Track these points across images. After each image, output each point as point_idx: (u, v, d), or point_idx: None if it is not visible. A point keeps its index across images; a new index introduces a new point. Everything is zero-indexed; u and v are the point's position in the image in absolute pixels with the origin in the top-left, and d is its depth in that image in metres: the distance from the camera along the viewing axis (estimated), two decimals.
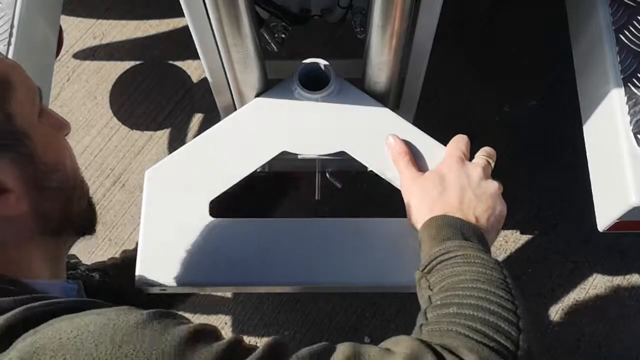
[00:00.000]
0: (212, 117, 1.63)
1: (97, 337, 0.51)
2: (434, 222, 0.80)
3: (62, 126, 0.73)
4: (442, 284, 0.70)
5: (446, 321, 0.63)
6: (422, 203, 0.84)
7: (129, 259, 0.93)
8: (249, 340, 1.45)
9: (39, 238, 0.67)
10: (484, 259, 0.71)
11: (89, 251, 1.52)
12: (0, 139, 0.61)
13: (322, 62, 1.03)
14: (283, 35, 1.10)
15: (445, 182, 0.85)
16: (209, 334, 0.55)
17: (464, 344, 0.59)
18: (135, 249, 0.90)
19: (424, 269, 0.75)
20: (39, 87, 0.69)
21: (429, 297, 0.69)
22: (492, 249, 1.52)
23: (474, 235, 0.78)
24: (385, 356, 0.57)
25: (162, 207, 0.93)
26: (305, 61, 1.03)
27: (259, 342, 1.45)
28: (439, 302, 0.67)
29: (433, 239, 0.78)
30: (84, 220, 0.75)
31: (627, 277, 1.51)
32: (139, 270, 0.89)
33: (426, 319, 0.66)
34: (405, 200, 0.89)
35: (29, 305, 0.54)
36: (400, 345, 0.59)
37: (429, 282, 0.72)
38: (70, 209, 0.72)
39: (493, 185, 0.84)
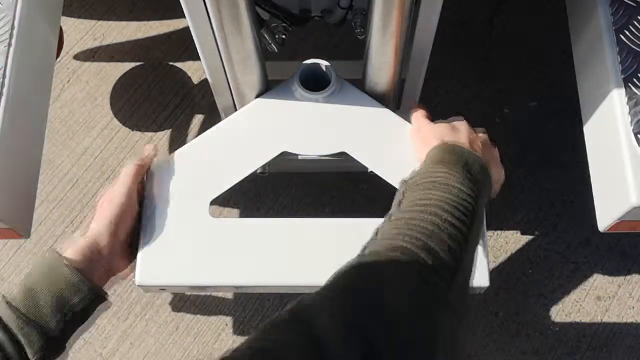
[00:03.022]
0: (212, 118, 1.63)
1: None
2: (441, 147, 0.82)
3: None
4: (410, 200, 0.72)
5: (393, 235, 0.65)
6: (431, 136, 0.88)
7: None
8: None
9: None
10: (463, 192, 0.72)
11: None
12: None
13: (323, 63, 1.03)
14: (283, 36, 1.10)
15: (455, 129, 0.89)
16: None
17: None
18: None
19: (410, 179, 0.77)
20: (39, 87, 0.70)
21: (390, 213, 0.71)
22: (492, 249, 1.52)
23: (477, 164, 0.79)
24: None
25: (163, 206, 0.93)
26: (305, 62, 1.03)
27: None
28: (393, 217, 0.69)
29: (434, 160, 0.80)
30: None
31: (628, 277, 1.51)
32: (139, 270, 0.89)
33: (376, 232, 0.68)
34: (414, 138, 0.94)
35: None
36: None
37: (405, 194, 0.73)
38: None
39: (496, 150, 0.91)
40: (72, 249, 0.82)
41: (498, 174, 0.89)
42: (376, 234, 0.68)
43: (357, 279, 0.59)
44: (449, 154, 0.80)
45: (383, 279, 0.59)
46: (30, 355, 0.73)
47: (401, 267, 0.61)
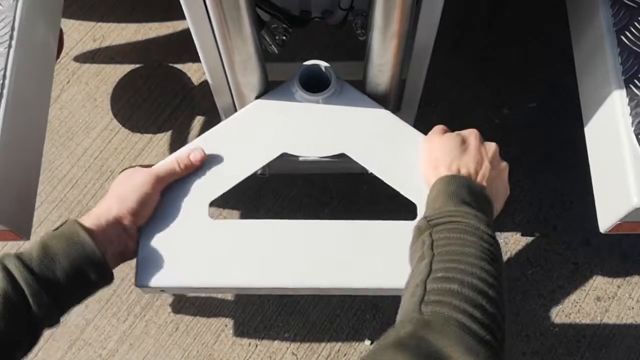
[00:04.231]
0: (212, 119, 1.63)
1: None
2: (453, 180, 0.83)
3: None
4: (445, 248, 0.72)
5: (448, 303, 0.64)
6: (440, 156, 0.88)
7: None
8: (248, 342, 1.45)
9: None
10: (492, 238, 0.74)
11: None
12: None
13: (323, 64, 1.03)
14: (284, 37, 1.10)
15: (465, 144, 0.88)
16: None
17: (461, 342, 0.60)
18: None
19: (432, 220, 0.77)
20: (39, 88, 0.71)
21: (430, 262, 0.70)
22: None
23: (488, 205, 0.82)
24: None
25: (162, 208, 0.92)
26: (305, 63, 1.03)
27: (259, 345, 1.45)
28: (440, 275, 0.68)
29: (450, 195, 0.80)
30: None
31: (628, 278, 1.51)
32: (139, 272, 0.89)
33: (425, 289, 0.67)
34: (424, 150, 0.94)
35: None
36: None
37: (433, 238, 0.74)
38: None
39: (505, 164, 0.90)
40: (94, 225, 0.82)
41: (505, 189, 0.90)
42: (424, 289, 0.68)
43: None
44: (463, 191, 0.81)
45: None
46: (38, 319, 0.74)
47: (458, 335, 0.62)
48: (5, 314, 0.71)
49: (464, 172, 0.85)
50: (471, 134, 0.90)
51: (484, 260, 0.70)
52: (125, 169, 0.92)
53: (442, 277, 0.68)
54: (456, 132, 0.92)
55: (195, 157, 0.95)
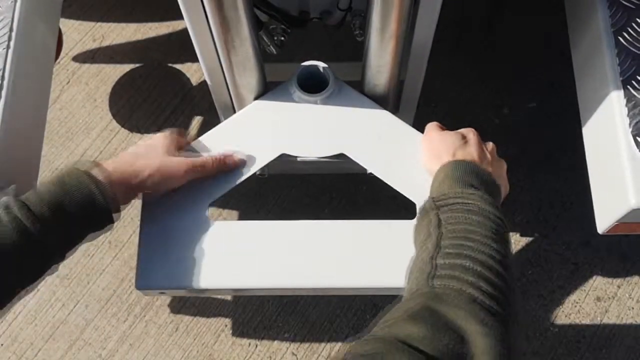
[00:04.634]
0: (211, 119, 1.62)
1: None
2: (459, 165, 0.83)
3: None
4: (453, 227, 0.72)
5: (458, 277, 0.65)
6: (443, 148, 0.89)
7: None
8: (248, 342, 1.45)
9: None
10: (500, 219, 0.74)
11: (89, 254, 1.52)
12: None
13: (321, 65, 1.03)
14: (282, 38, 1.10)
15: (465, 139, 0.89)
16: None
17: (472, 314, 0.61)
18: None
19: (439, 201, 0.77)
20: (38, 89, 0.72)
21: (438, 239, 0.71)
22: None
23: (495, 188, 0.82)
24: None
25: (162, 210, 0.93)
26: (304, 64, 1.03)
27: (259, 345, 1.45)
28: (450, 251, 0.69)
29: (457, 180, 0.81)
30: None
31: (628, 278, 1.51)
32: (140, 274, 0.89)
33: (434, 264, 0.68)
34: (424, 147, 0.95)
35: None
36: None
37: (440, 217, 0.74)
38: None
39: (504, 162, 0.91)
40: (116, 170, 0.83)
41: (505, 187, 0.90)
42: (434, 266, 0.68)
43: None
44: (470, 175, 0.81)
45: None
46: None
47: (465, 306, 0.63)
48: (16, 258, 0.72)
49: (469, 159, 0.85)
50: (469, 132, 0.91)
51: (492, 239, 0.71)
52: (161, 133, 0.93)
53: (451, 253, 0.69)
54: (454, 131, 0.92)
55: (231, 159, 0.96)
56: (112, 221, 0.82)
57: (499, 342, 0.59)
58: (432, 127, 0.96)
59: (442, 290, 0.64)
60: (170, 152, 0.90)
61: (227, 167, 0.95)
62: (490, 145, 0.91)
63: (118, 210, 0.82)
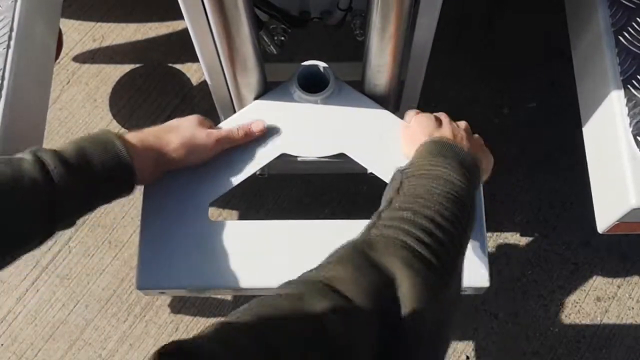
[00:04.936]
0: (211, 120, 1.62)
1: None
2: (434, 142, 0.84)
3: None
4: (409, 191, 0.72)
5: (396, 227, 0.65)
6: (418, 131, 0.90)
7: None
8: None
9: None
10: (461, 186, 0.74)
11: (89, 254, 1.52)
12: None
13: (321, 64, 1.03)
14: (282, 38, 1.10)
15: (439, 123, 0.90)
16: None
17: (401, 258, 0.61)
18: None
19: (406, 170, 0.78)
20: (38, 89, 0.72)
21: (391, 199, 0.72)
22: (492, 250, 1.52)
23: (471, 160, 0.82)
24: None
25: (162, 210, 0.93)
26: (304, 63, 1.03)
27: None
28: (397, 205, 0.69)
29: (429, 153, 0.81)
30: None
31: (628, 278, 1.51)
32: (140, 274, 0.89)
33: (380, 217, 0.68)
34: (402, 135, 0.96)
35: None
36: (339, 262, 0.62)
37: (402, 182, 0.75)
38: None
39: (477, 136, 0.91)
40: (143, 140, 0.85)
41: (487, 159, 0.90)
42: (378, 217, 0.69)
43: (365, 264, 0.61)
44: (443, 148, 0.82)
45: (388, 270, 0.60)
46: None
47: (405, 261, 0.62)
48: (31, 202, 0.72)
49: (444, 139, 0.86)
50: (441, 114, 0.93)
51: (446, 198, 0.70)
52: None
53: (397, 208, 0.69)
54: (427, 113, 0.94)
55: (257, 126, 0.97)
56: (132, 188, 0.84)
57: (425, 289, 0.59)
58: (409, 114, 0.97)
59: (376, 238, 0.64)
60: (199, 126, 0.93)
61: (253, 134, 0.97)
62: (463, 123, 0.91)
63: (140, 183, 0.85)
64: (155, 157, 0.87)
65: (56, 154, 0.75)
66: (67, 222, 0.79)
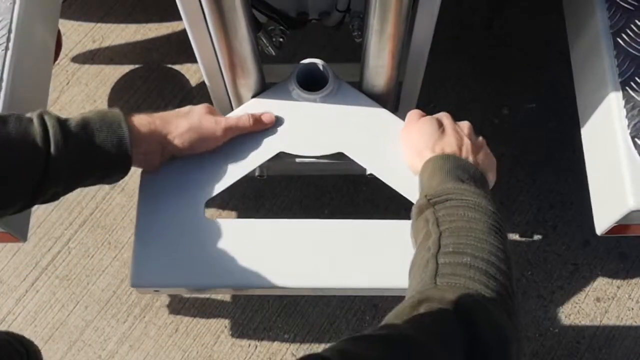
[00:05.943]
0: None
1: None
2: (444, 160, 0.83)
3: None
4: (452, 225, 0.73)
5: (462, 274, 0.66)
6: (421, 142, 0.88)
7: None
8: (248, 343, 1.45)
9: None
10: (495, 213, 0.75)
11: (88, 255, 1.52)
12: None
13: (320, 63, 1.02)
14: (281, 39, 1.10)
15: (442, 127, 0.89)
16: None
17: (481, 308, 0.62)
18: None
19: (432, 198, 0.77)
20: (37, 90, 0.73)
21: (438, 238, 0.71)
22: None
23: (483, 180, 0.83)
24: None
25: (158, 207, 0.92)
26: (303, 61, 1.02)
27: (259, 346, 1.45)
28: (451, 249, 0.69)
29: (445, 175, 0.81)
30: None
31: (627, 279, 1.51)
32: (134, 272, 0.89)
33: (437, 263, 0.68)
34: (403, 141, 0.95)
35: None
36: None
37: (437, 215, 0.75)
38: None
39: (482, 138, 0.90)
40: (142, 126, 0.85)
41: (491, 160, 0.90)
42: (436, 262, 0.69)
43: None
44: (456, 169, 0.82)
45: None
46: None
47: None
48: (24, 162, 0.73)
49: (448, 151, 0.85)
50: (443, 116, 0.91)
51: (490, 234, 0.71)
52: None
53: (453, 252, 0.69)
54: (429, 116, 0.92)
55: (268, 117, 0.97)
56: (124, 173, 0.84)
57: (503, 324, 0.62)
58: (412, 118, 0.95)
59: (447, 287, 0.65)
60: (209, 114, 0.92)
61: (263, 123, 0.97)
62: (466, 126, 0.90)
63: (146, 167, 0.88)
64: (161, 141, 0.88)
65: (60, 121, 0.77)
66: (51, 193, 0.79)
